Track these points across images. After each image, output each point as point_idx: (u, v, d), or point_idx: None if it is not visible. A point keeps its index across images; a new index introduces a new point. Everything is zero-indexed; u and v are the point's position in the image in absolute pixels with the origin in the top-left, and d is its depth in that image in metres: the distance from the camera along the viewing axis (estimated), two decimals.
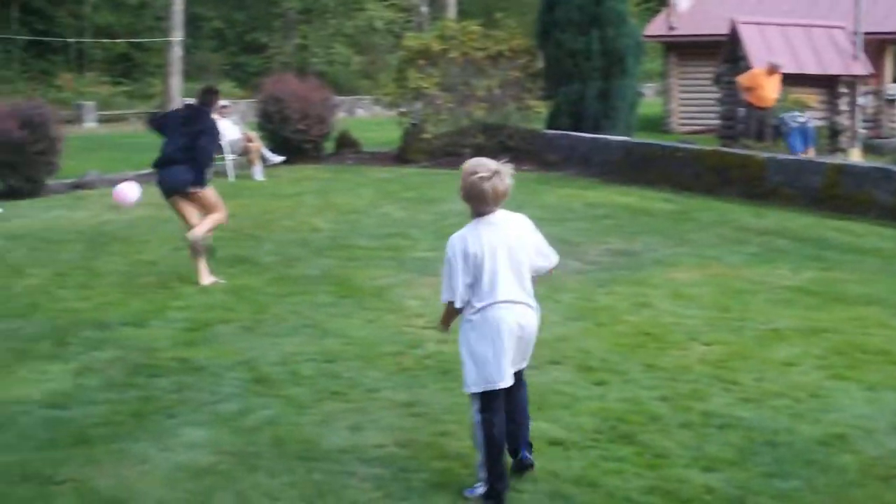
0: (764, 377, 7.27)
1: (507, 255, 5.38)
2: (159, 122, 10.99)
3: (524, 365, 5.62)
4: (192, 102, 11.32)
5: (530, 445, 5.70)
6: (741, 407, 6.66)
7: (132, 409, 6.67)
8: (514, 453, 5.63)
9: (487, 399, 5.38)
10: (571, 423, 6.37)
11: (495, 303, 5.33)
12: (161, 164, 10.54)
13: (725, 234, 13.14)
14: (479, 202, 5.39)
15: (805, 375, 7.33)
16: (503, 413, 5.45)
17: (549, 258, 5.62)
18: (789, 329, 8.55)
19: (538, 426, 6.13)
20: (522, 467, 5.62)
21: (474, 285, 5.36)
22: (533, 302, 5.50)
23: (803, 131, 21.11)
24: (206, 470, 5.70)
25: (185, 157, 10.39)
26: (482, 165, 5.39)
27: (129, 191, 11.85)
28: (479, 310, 5.36)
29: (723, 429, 6.27)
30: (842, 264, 11.26)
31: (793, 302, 9.52)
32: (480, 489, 5.38)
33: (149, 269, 11.14)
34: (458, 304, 5.40)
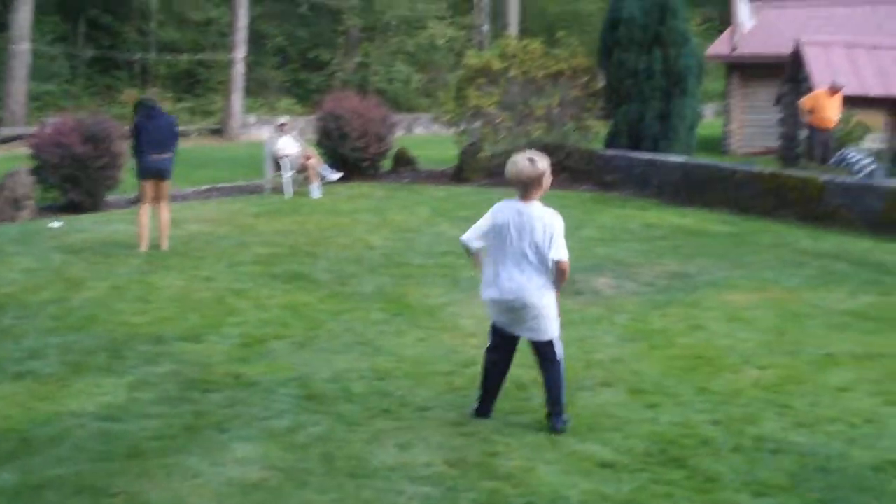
0: (818, 402, 7.20)
1: (520, 237, 6.48)
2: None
3: (535, 337, 6.69)
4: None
5: (559, 415, 6.64)
6: (794, 432, 6.60)
7: (185, 424, 6.73)
8: (547, 416, 6.72)
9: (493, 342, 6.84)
10: (622, 445, 6.34)
11: (496, 274, 6.57)
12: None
13: (783, 256, 13.03)
14: (513, 182, 6.54)
15: (859, 401, 7.25)
16: (503, 356, 6.84)
17: (557, 253, 6.48)
18: (844, 354, 8.47)
19: (589, 447, 6.12)
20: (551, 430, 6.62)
21: (493, 249, 6.59)
22: (536, 282, 6.51)
23: (871, 177, 20.69)
24: (257, 485, 5.73)
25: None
26: (521, 154, 6.62)
27: None
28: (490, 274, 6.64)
29: (775, 454, 6.21)
30: None
31: (849, 326, 9.42)
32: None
33: (205, 285, 11.24)
34: (473, 246, 6.68)
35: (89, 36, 42.20)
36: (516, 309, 6.56)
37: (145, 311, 9.99)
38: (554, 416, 6.61)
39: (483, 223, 6.62)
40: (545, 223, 6.49)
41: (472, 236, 6.65)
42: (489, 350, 6.87)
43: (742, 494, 5.63)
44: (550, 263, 6.50)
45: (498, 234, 6.53)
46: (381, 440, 6.42)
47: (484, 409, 6.86)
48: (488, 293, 6.64)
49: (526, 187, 6.50)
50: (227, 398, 7.28)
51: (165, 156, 13.53)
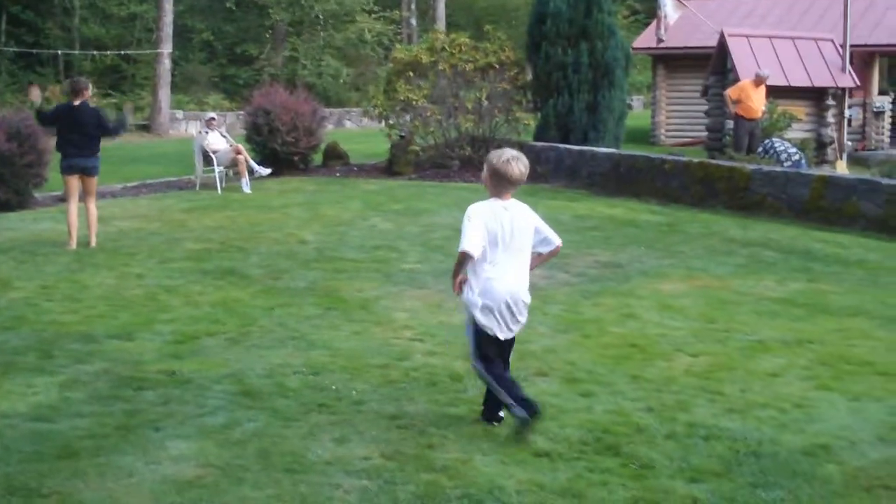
0: (749, 388, 7.30)
1: (512, 237, 6.36)
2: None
3: (518, 332, 6.62)
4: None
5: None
6: (726, 418, 6.68)
7: (118, 422, 6.65)
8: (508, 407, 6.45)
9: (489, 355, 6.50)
10: (558, 434, 6.37)
11: (495, 277, 6.34)
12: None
13: (712, 245, 13.19)
14: (503, 183, 6.41)
15: (790, 386, 7.36)
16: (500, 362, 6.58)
17: (552, 242, 6.62)
18: (774, 340, 8.59)
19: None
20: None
21: (486, 252, 6.30)
22: (527, 277, 6.51)
23: (797, 166, 20.98)
24: (192, 483, 5.69)
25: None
26: (507, 151, 6.49)
27: None
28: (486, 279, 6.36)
29: (708, 440, 6.28)
30: (827, 276, 11.32)
31: (778, 313, 9.56)
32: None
33: (136, 282, 11.13)
34: (476, 254, 6.24)
35: (11, 33, 41.59)
36: (518, 306, 6.44)
37: (75, 309, 9.87)
38: (519, 405, 6.33)
39: (478, 231, 6.25)
40: (527, 218, 6.52)
41: (476, 244, 6.24)
42: (491, 365, 6.50)
43: (677, 481, 5.68)
44: (546, 250, 6.63)
45: (493, 237, 6.31)
46: (317, 435, 6.40)
47: (527, 403, 6.29)
48: (488, 298, 6.36)
49: (517, 185, 6.46)
50: (161, 396, 7.21)
51: (88, 158, 13.40)
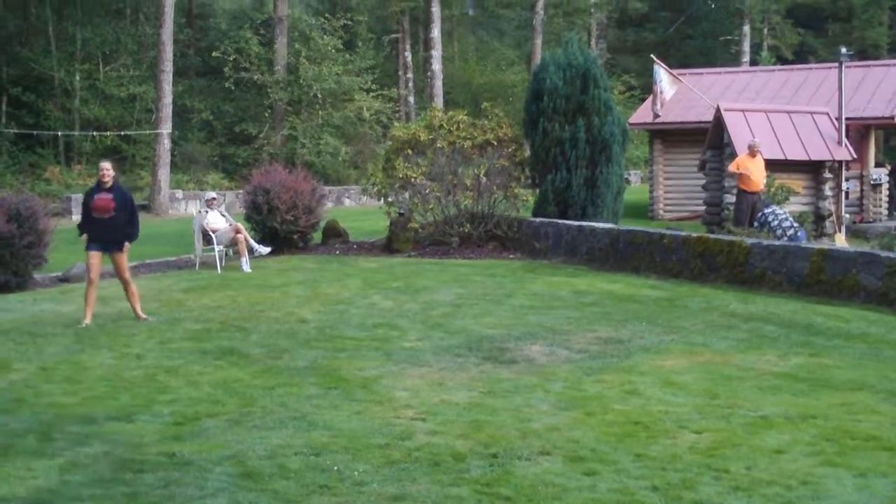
0: (754, 465, 7.24)
1: None
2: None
3: None
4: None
5: None
6: (732, 496, 6.62)
7: None
8: None
9: None
10: None
11: None
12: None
13: (713, 320, 13.16)
14: None
15: (795, 463, 7.30)
16: None
17: None
18: (778, 416, 8.54)
19: None
20: None
21: None
22: None
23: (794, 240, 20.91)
24: None
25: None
26: None
27: None
28: None
29: None
30: (829, 350, 11.28)
31: (781, 388, 9.51)
32: None
33: (136, 363, 11.09)
34: None
35: (11, 114, 41.88)
36: None
37: (75, 391, 9.83)
38: None
39: None
40: None
41: None
42: None
43: None
44: None
45: None
46: None
47: None
48: None
49: None
50: (161, 478, 7.16)
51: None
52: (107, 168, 14.10)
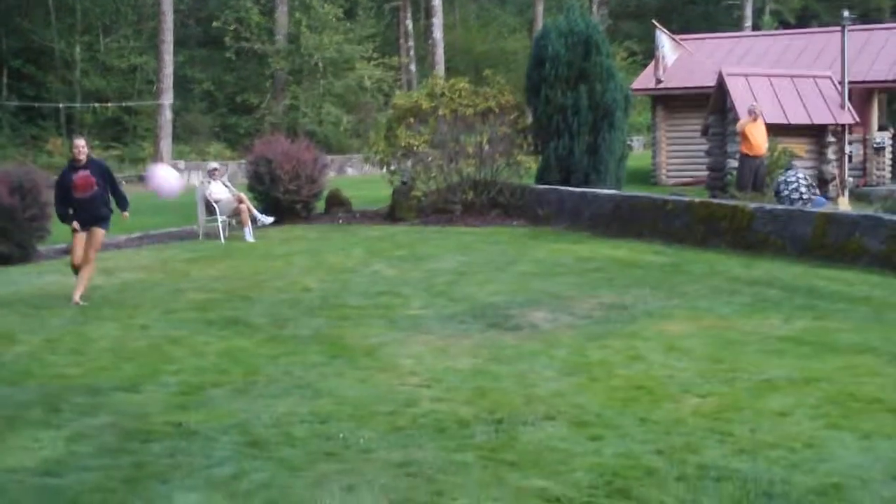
0: (758, 428, 7.26)
1: None
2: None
3: None
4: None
5: None
6: (736, 459, 6.64)
7: (125, 475, 6.61)
8: None
9: None
10: (567, 478, 6.33)
11: None
12: None
13: (716, 285, 13.16)
14: None
15: (799, 425, 7.32)
16: None
17: None
18: (782, 379, 8.55)
19: (534, 482, 6.11)
20: None
21: None
22: None
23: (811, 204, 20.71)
24: None
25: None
26: None
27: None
28: None
29: (718, 481, 6.24)
30: (833, 313, 11.28)
31: (785, 352, 9.52)
32: None
33: (140, 333, 11.11)
34: None
35: (12, 86, 41.82)
36: None
37: (80, 362, 9.85)
38: None
39: None
40: None
41: None
42: None
43: None
44: None
45: None
46: (325, 484, 6.36)
47: None
48: None
49: None
50: (168, 448, 7.18)
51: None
52: (81, 145, 13.37)
